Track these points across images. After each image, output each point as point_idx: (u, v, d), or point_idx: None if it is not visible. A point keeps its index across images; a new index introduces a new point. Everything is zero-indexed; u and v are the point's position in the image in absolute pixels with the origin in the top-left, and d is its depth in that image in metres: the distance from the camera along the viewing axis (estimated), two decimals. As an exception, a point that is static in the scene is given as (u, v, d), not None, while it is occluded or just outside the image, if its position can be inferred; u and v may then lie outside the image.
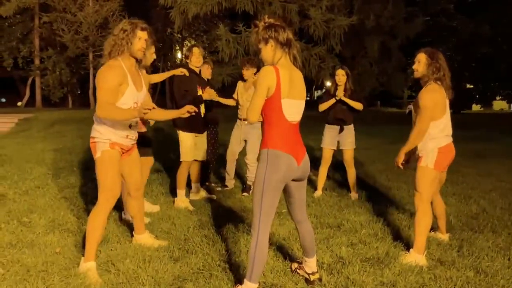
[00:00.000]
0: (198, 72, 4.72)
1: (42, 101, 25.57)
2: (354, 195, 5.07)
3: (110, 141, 2.84)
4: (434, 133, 3.18)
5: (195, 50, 4.64)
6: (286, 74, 2.40)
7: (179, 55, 32.32)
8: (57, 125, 13.74)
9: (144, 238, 3.33)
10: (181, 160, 4.56)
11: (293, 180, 2.52)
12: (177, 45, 31.52)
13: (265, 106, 2.43)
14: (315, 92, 49.94)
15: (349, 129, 5.07)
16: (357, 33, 18.38)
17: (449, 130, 3.27)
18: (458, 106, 28.51)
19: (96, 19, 21.75)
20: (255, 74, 5.10)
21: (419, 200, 3.21)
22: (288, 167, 2.42)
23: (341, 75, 4.92)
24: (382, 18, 19.93)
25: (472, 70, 29.14)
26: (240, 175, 5.97)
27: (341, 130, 5.02)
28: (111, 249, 3.16)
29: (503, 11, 25.00)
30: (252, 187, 5.14)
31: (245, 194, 5.10)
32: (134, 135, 3.02)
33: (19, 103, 27.85)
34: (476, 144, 10.10)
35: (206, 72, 5.28)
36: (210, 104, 4.79)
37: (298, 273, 2.82)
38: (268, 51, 2.44)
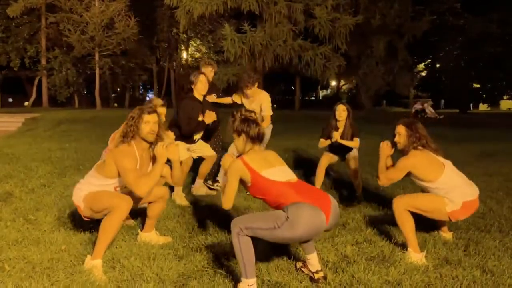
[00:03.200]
0: (202, 100, 4.74)
1: (49, 101, 25.73)
2: (359, 194, 5.04)
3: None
4: (446, 186, 3.14)
5: (202, 78, 4.62)
6: (253, 156, 2.57)
7: (184, 55, 32.41)
8: (64, 124, 13.84)
9: (149, 236, 3.33)
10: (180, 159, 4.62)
11: None
12: (182, 45, 31.61)
13: (257, 191, 2.54)
14: (320, 92, 49.76)
15: (352, 151, 4.99)
16: (362, 32, 18.33)
17: (464, 180, 3.26)
18: (465, 106, 28.30)
19: (102, 19, 21.87)
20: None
21: (398, 204, 3.17)
22: (313, 224, 2.29)
23: (341, 111, 4.88)
24: (388, 17, 19.86)
25: (479, 69, 28.89)
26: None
27: (343, 159, 5.04)
28: (116, 247, 3.16)
29: (511, 10, 24.77)
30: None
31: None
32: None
33: (26, 103, 28.06)
34: (484, 144, 10.02)
35: (209, 75, 5.27)
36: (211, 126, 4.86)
37: (302, 272, 2.81)
38: (240, 142, 2.65)
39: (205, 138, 5.06)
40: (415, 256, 3.07)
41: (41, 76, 25.54)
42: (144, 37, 24.99)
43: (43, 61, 24.94)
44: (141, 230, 3.37)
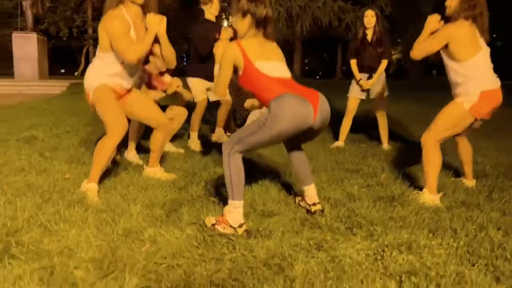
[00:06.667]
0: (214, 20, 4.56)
1: (96, 69, 26.57)
2: (385, 145, 4.78)
3: (99, 82, 2.82)
4: (469, 73, 2.80)
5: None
6: (252, 43, 2.30)
7: (225, 23, 32.14)
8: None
9: (154, 171, 3.30)
10: (194, 101, 4.54)
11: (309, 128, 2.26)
12: (223, 14, 31.28)
13: (246, 81, 2.31)
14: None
15: (380, 77, 4.73)
16: (410, -6, 17.19)
17: (490, 70, 2.88)
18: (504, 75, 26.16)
19: (144, -13, 21.99)
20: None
21: (427, 137, 2.87)
22: (298, 112, 2.12)
23: (370, 17, 4.61)
24: (439, -23, 18.47)
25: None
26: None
27: (369, 77, 4.71)
28: (118, 178, 3.16)
29: None
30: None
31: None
32: (128, 85, 2.97)
33: (76, 73, 29.24)
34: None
35: None
36: None
37: (300, 206, 2.67)
38: (244, 25, 2.36)
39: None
40: (429, 196, 2.82)
41: (88, 46, 26.35)
42: (184, 6, 24.94)
43: (90, 31, 25.65)
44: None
